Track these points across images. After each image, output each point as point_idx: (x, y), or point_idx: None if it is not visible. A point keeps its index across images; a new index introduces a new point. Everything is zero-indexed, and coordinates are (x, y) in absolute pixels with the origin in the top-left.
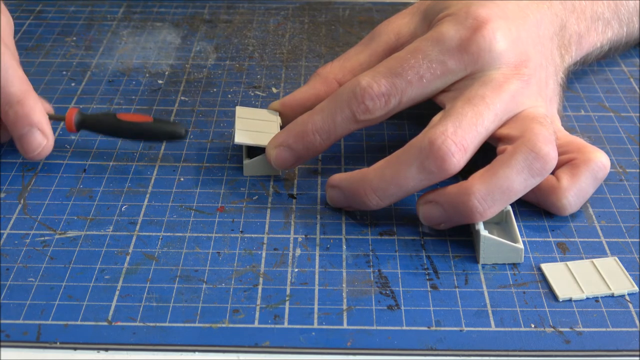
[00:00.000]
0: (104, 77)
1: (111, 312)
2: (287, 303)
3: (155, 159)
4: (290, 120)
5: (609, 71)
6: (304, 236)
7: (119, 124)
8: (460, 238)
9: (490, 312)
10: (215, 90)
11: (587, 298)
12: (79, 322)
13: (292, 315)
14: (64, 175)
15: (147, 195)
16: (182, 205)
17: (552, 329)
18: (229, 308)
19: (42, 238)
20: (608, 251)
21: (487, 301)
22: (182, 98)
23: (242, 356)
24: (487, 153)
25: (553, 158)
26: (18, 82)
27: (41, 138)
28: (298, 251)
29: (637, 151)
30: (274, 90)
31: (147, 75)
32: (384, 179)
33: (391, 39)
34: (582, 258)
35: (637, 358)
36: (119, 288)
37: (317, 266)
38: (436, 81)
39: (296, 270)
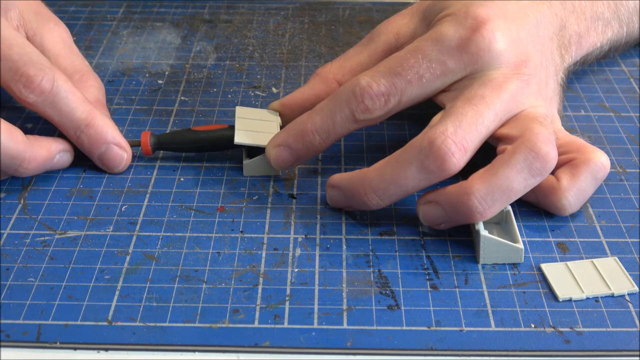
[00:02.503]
0: (104, 77)
1: (111, 312)
2: (287, 303)
3: (155, 159)
4: (290, 120)
5: (609, 71)
6: (304, 236)
7: (196, 136)
8: (460, 238)
9: (490, 312)
10: (215, 90)
11: (587, 298)
12: (79, 322)
13: (292, 315)
14: (64, 175)
15: (147, 195)
16: (182, 205)
17: (552, 329)
18: (229, 308)
19: (42, 238)
20: (608, 251)
21: (487, 301)
22: (182, 98)
23: (242, 356)
24: (487, 153)
25: (553, 158)
26: (82, 106)
27: (121, 152)
28: (298, 251)
29: (637, 151)
30: (274, 90)
31: (147, 75)
32: (384, 179)
33: (391, 39)
34: (582, 258)
35: (637, 358)
36: (119, 288)
37: (317, 266)
38: (436, 81)
39: (296, 270)
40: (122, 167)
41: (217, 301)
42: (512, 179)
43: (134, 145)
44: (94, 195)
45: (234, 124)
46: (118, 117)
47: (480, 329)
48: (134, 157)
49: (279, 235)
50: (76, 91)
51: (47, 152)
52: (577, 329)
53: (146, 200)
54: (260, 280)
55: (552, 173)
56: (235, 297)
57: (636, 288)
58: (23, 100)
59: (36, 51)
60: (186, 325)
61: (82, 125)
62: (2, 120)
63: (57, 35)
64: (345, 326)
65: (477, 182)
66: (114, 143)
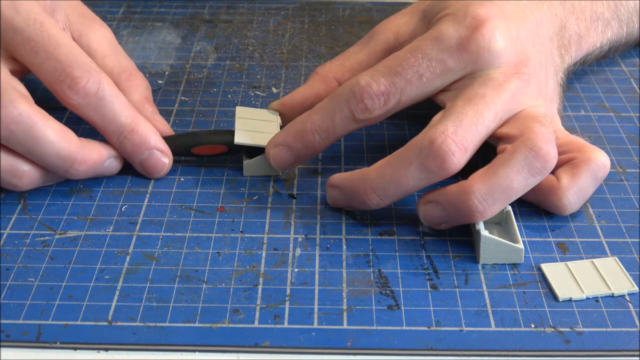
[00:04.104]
0: None
1: (111, 312)
2: (287, 303)
3: None
4: (291, 120)
5: (609, 71)
6: (304, 236)
7: (197, 154)
8: (460, 238)
9: (490, 312)
10: (215, 90)
11: (587, 298)
12: (79, 322)
13: (292, 315)
14: None
15: (147, 195)
16: (182, 205)
17: (552, 329)
18: (229, 308)
19: (42, 238)
20: (608, 251)
21: (487, 301)
22: (182, 98)
23: (242, 356)
24: (487, 153)
25: (553, 157)
26: (126, 111)
27: (163, 157)
28: (298, 251)
29: (637, 151)
30: (274, 90)
31: (147, 75)
32: (384, 179)
33: (390, 38)
34: (582, 258)
35: (637, 358)
36: (119, 288)
37: (317, 266)
38: (436, 80)
39: (296, 270)
40: (163, 172)
41: (217, 301)
42: (512, 179)
43: None
44: (94, 195)
45: (232, 142)
46: None
47: (480, 329)
48: None
49: (279, 235)
50: (121, 96)
51: (99, 155)
52: (577, 329)
53: (146, 200)
54: (260, 280)
55: (552, 173)
56: (235, 297)
57: (636, 288)
58: (66, 102)
59: (83, 53)
60: (186, 325)
61: (125, 131)
62: (55, 121)
63: (102, 35)
64: (345, 326)
65: (477, 181)
66: (157, 149)
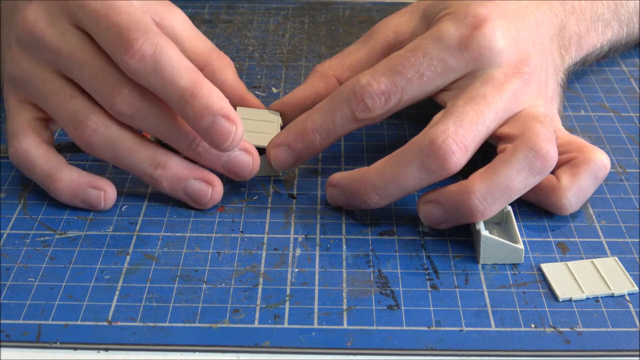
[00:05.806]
0: None
1: (111, 312)
2: (287, 303)
3: None
4: (292, 119)
5: (609, 71)
6: (304, 236)
7: None
8: (460, 238)
9: (490, 312)
10: None
11: (587, 298)
12: (79, 322)
13: (292, 315)
14: None
15: (147, 195)
16: (182, 205)
17: (552, 329)
18: (229, 308)
19: (42, 238)
20: (608, 251)
21: (487, 301)
22: None
23: (242, 356)
24: (487, 152)
25: (553, 157)
26: (186, 73)
27: (229, 125)
28: (298, 251)
29: (637, 151)
30: (274, 90)
31: None
32: (384, 178)
33: (390, 36)
34: (582, 258)
35: (637, 358)
36: (119, 288)
37: (317, 266)
38: (437, 79)
39: (296, 270)
40: (229, 142)
41: (217, 301)
42: (513, 178)
43: None
44: None
45: None
46: None
47: (480, 329)
48: None
49: (279, 235)
50: (183, 58)
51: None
52: (577, 329)
53: (146, 200)
54: (260, 280)
55: (553, 172)
56: (235, 297)
57: (636, 288)
58: (126, 69)
59: (146, 18)
60: (186, 325)
61: (186, 94)
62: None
63: (183, 18)
64: (345, 326)
65: (478, 181)
66: (222, 114)
